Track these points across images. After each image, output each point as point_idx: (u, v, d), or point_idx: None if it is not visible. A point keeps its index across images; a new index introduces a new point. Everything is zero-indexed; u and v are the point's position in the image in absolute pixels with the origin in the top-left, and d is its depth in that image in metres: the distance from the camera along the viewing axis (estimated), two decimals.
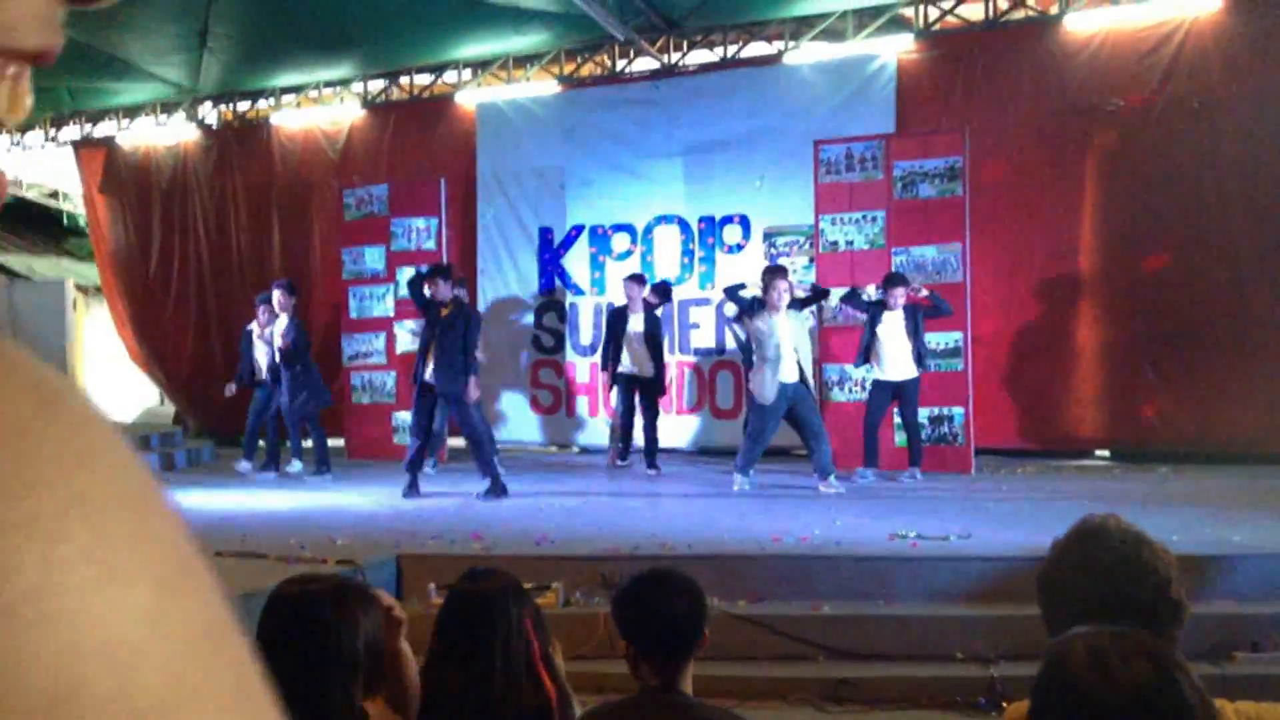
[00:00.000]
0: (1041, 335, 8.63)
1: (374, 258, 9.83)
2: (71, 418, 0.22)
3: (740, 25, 9.76)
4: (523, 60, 10.52)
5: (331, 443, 8.77)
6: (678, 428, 9.56)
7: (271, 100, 11.67)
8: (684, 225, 9.74)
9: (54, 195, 15.83)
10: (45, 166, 14.08)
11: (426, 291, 7.17)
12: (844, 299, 7.89)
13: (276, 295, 8.40)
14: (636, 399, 8.47)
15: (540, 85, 10.49)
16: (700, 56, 10.11)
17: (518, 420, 10.20)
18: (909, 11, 9.31)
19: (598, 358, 9.17)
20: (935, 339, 7.78)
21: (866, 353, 7.59)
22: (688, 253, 9.73)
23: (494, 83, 10.77)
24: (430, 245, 9.59)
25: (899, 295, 7.44)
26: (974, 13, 9.16)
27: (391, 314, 9.74)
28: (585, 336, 9.96)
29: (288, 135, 11.46)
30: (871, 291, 7.83)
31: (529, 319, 10.23)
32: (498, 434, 9.25)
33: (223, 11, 9.23)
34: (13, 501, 0.19)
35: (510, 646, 1.99)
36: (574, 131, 10.08)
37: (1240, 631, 4.24)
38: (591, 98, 10.25)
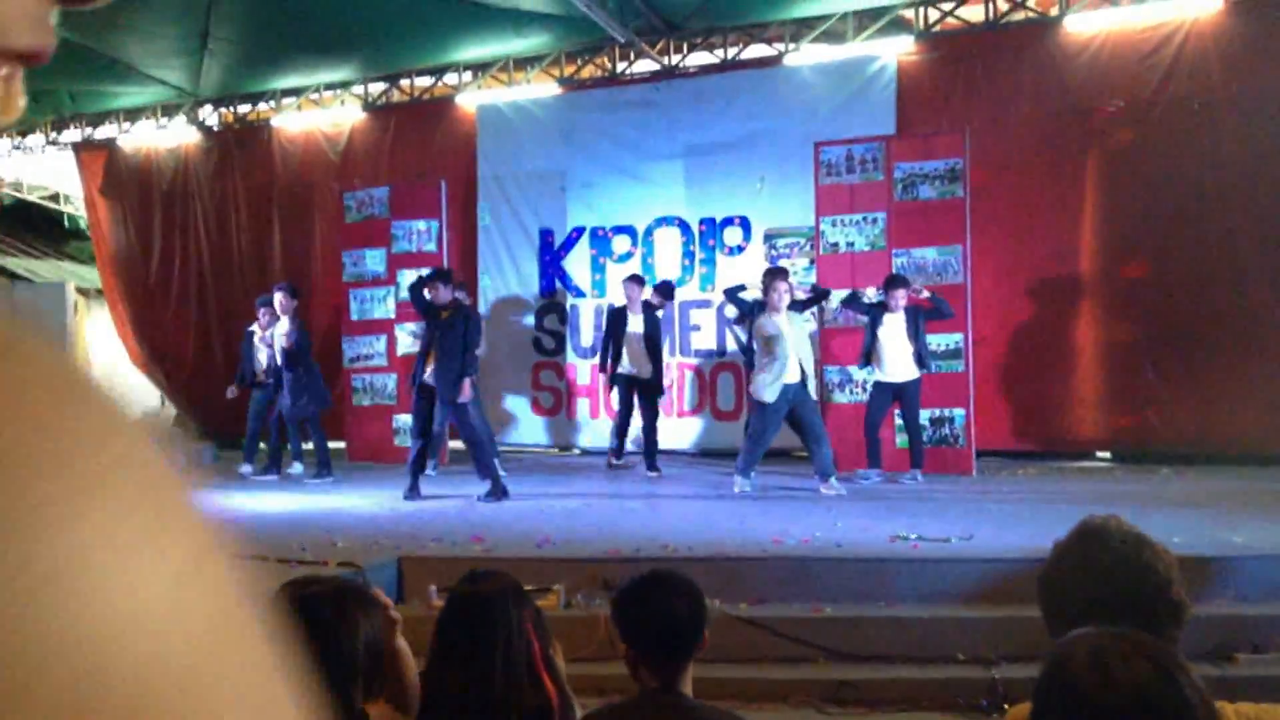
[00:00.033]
0: (1042, 336, 8.63)
1: (375, 260, 9.83)
2: (91, 402, 0.22)
3: (740, 27, 9.77)
4: (523, 62, 10.52)
5: (332, 445, 8.77)
6: (679, 429, 9.56)
7: (272, 103, 11.68)
8: (684, 227, 9.75)
9: (55, 198, 15.84)
10: (46, 169, 14.09)
11: (427, 295, 7.18)
12: (844, 302, 7.89)
13: (278, 297, 8.40)
14: (635, 400, 8.47)
15: (541, 87, 10.50)
16: (700, 58, 10.12)
17: (519, 422, 10.20)
18: (909, 13, 9.32)
19: (598, 359, 9.17)
20: (936, 340, 7.78)
21: (868, 355, 7.60)
22: (688, 254, 9.73)
23: (494, 85, 10.78)
24: (431, 247, 9.60)
25: (900, 297, 7.45)
26: (974, 14, 9.17)
27: (392, 316, 9.74)
28: (586, 338, 9.96)
29: (288, 138, 11.47)
30: (871, 294, 7.83)
31: (530, 321, 10.24)
32: (499, 436, 9.26)
33: (223, 14, 9.24)
34: (36, 482, 0.20)
35: (511, 648, 1.99)
36: (574, 133, 10.08)
37: (1241, 633, 4.23)
38: (592, 100, 10.26)
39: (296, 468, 8.77)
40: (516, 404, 10.18)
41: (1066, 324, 8.61)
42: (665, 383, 8.93)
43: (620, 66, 10.32)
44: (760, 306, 7.21)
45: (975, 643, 4.34)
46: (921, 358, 7.47)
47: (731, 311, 8.69)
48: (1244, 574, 4.56)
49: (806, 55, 9.54)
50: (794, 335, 7.02)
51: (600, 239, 10.04)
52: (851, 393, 8.15)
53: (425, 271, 7.70)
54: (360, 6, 9.09)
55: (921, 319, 7.48)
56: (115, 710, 0.19)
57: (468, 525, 6.06)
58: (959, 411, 7.92)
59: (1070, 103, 8.54)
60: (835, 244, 8.35)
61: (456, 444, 8.69)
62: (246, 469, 8.85)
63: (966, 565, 4.81)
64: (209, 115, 12.06)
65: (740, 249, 9.55)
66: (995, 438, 8.58)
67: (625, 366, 8.40)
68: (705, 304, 9.59)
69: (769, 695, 4.19)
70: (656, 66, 10.12)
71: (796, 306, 7.27)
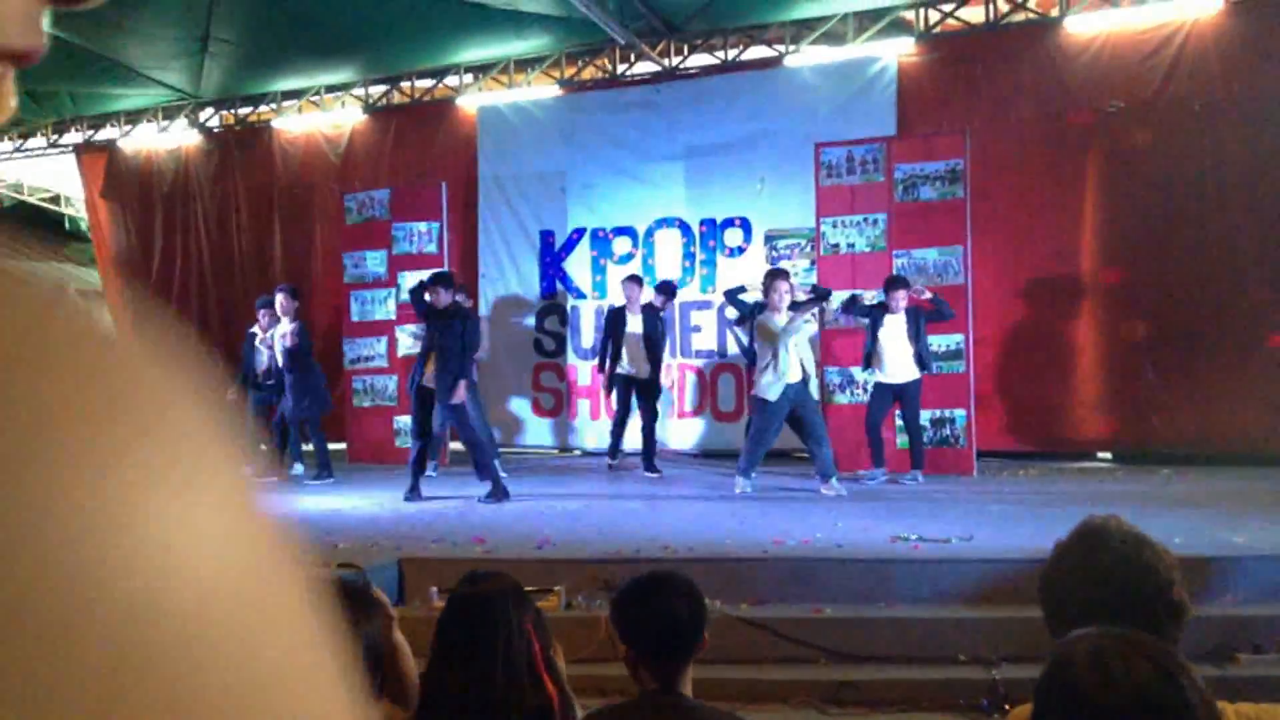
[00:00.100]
0: (1043, 337, 8.63)
1: (375, 262, 9.84)
2: (132, 357, 0.22)
3: (741, 29, 9.77)
4: (524, 64, 10.53)
5: (333, 446, 8.77)
6: (680, 430, 9.57)
7: (273, 105, 11.69)
8: (685, 228, 9.75)
9: (55, 200, 15.86)
10: (47, 171, 14.11)
11: (427, 298, 7.19)
12: (844, 307, 7.90)
13: (279, 299, 8.40)
14: (633, 400, 8.47)
15: (541, 89, 10.51)
16: (701, 60, 10.12)
17: (519, 423, 10.20)
18: (909, 14, 9.32)
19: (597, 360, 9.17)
20: (937, 341, 7.79)
21: (869, 357, 7.59)
22: (689, 256, 9.74)
23: (495, 86, 10.78)
24: (432, 249, 9.60)
25: (900, 298, 7.45)
26: (975, 15, 9.17)
27: (393, 318, 9.75)
28: (586, 340, 9.96)
29: (289, 139, 11.48)
30: (870, 296, 7.84)
31: (530, 322, 10.24)
32: (500, 437, 9.26)
33: (224, 17, 9.25)
34: (79, 430, 0.20)
35: (511, 649, 1.99)
36: (575, 135, 10.09)
37: (1242, 633, 4.23)
38: (592, 101, 10.26)
39: (297, 469, 8.78)
40: (517, 405, 10.18)
41: (1067, 324, 8.62)
42: (666, 383, 8.92)
43: (621, 68, 10.33)
44: (761, 307, 7.22)
45: (976, 643, 4.34)
46: (922, 359, 7.47)
47: (732, 313, 8.69)
48: (1245, 574, 4.56)
49: (807, 56, 9.55)
50: (795, 335, 7.03)
51: (601, 240, 10.04)
52: (852, 394, 8.15)
53: (427, 275, 7.70)
54: (361, 8, 9.10)
55: (922, 320, 7.48)
56: (162, 663, 0.19)
57: (468, 526, 6.06)
58: (960, 412, 7.92)
59: (1071, 104, 8.54)
60: (836, 245, 8.36)
61: (457, 445, 8.69)
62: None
63: (967, 566, 4.81)
64: (210, 117, 12.07)
65: (741, 250, 9.55)
66: (996, 438, 8.58)
67: (624, 367, 8.40)
68: (706, 305, 9.59)
69: (769, 696, 4.19)
70: (657, 68, 10.12)
71: (797, 307, 7.27)
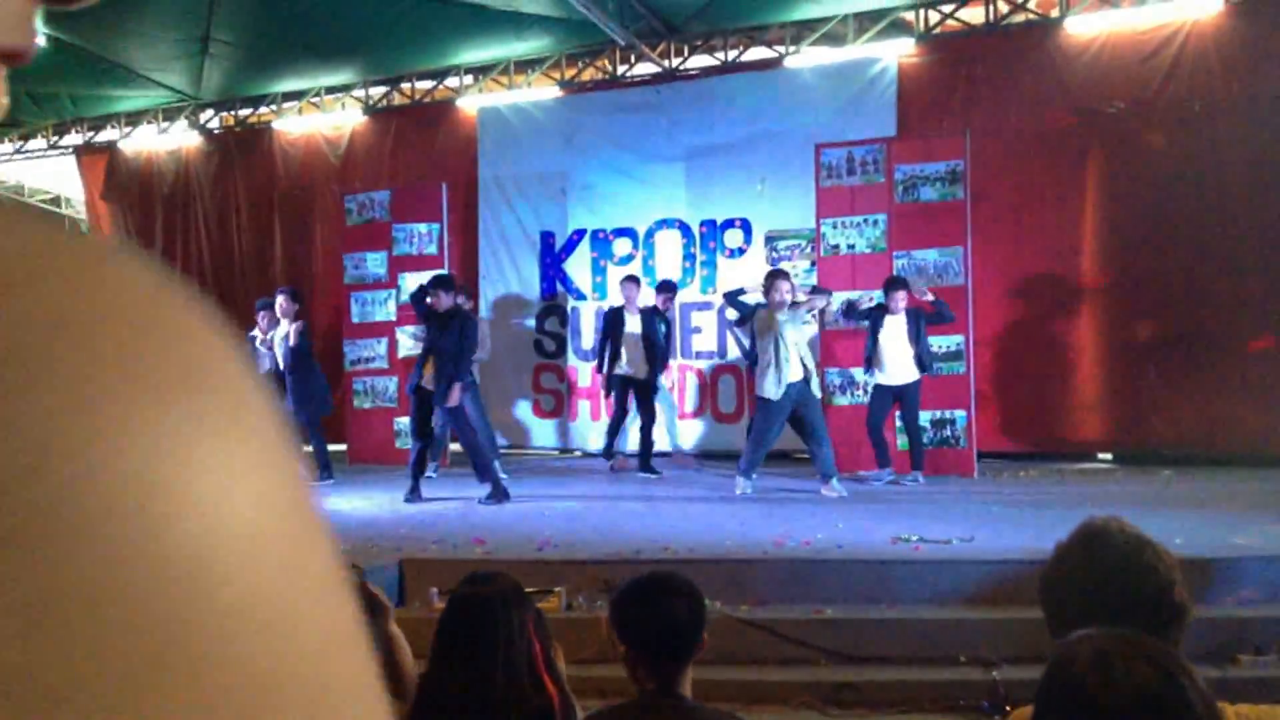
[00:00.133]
0: (1043, 338, 8.63)
1: (376, 263, 9.84)
2: (194, 324, 0.22)
3: (741, 30, 9.77)
4: (524, 65, 10.53)
5: (333, 447, 8.77)
6: (680, 431, 9.56)
7: (273, 106, 11.69)
8: (685, 229, 9.75)
9: (56, 201, 15.86)
10: (47, 172, 14.12)
11: (428, 301, 7.20)
12: (844, 313, 7.92)
13: (280, 301, 8.39)
14: (631, 401, 8.47)
15: (541, 90, 10.51)
16: (701, 61, 10.12)
17: (520, 425, 10.20)
18: (910, 15, 9.32)
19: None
20: (937, 342, 7.78)
21: (870, 359, 7.59)
22: (689, 257, 9.74)
23: (495, 88, 10.78)
24: (432, 250, 9.60)
25: (899, 299, 7.44)
26: (975, 16, 9.17)
27: (393, 319, 9.75)
28: (587, 341, 9.96)
29: (289, 141, 11.48)
30: (869, 299, 7.83)
31: (531, 323, 10.24)
32: (501, 438, 9.25)
33: (224, 18, 9.25)
34: (118, 392, 0.20)
35: (512, 650, 1.99)
36: (575, 136, 10.09)
37: (1243, 634, 4.23)
38: (593, 102, 10.27)
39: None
40: (517, 406, 10.18)
41: (1067, 325, 8.62)
42: (666, 384, 8.92)
43: (621, 69, 10.33)
44: (762, 308, 7.22)
45: (976, 644, 4.34)
46: (922, 361, 7.46)
47: (732, 314, 8.69)
48: (1246, 576, 4.56)
49: (807, 57, 9.55)
50: (795, 335, 7.03)
51: (601, 241, 10.04)
52: (853, 395, 8.15)
53: (428, 278, 7.70)
54: (361, 10, 9.10)
55: (923, 322, 7.47)
56: (210, 633, 0.19)
57: (469, 527, 6.05)
58: (960, 413, 7.92)
59: (1071, 104, 8.54)
60: (836, 246, 8.36)
61: (457, 447, 8.69)
62: None
63: (968, 567, 4.81)
64: (210, 119, 12.07)
65: (741, 251, 9.55)
66: (996, 439, 8.58)
67: (622, 367, 8.40)
68: (706, 306, 9.59)
69: (770, 697, 4.19)
70: (657, 69, 10.12)
71: (797, 306, 7.27)
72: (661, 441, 9.11)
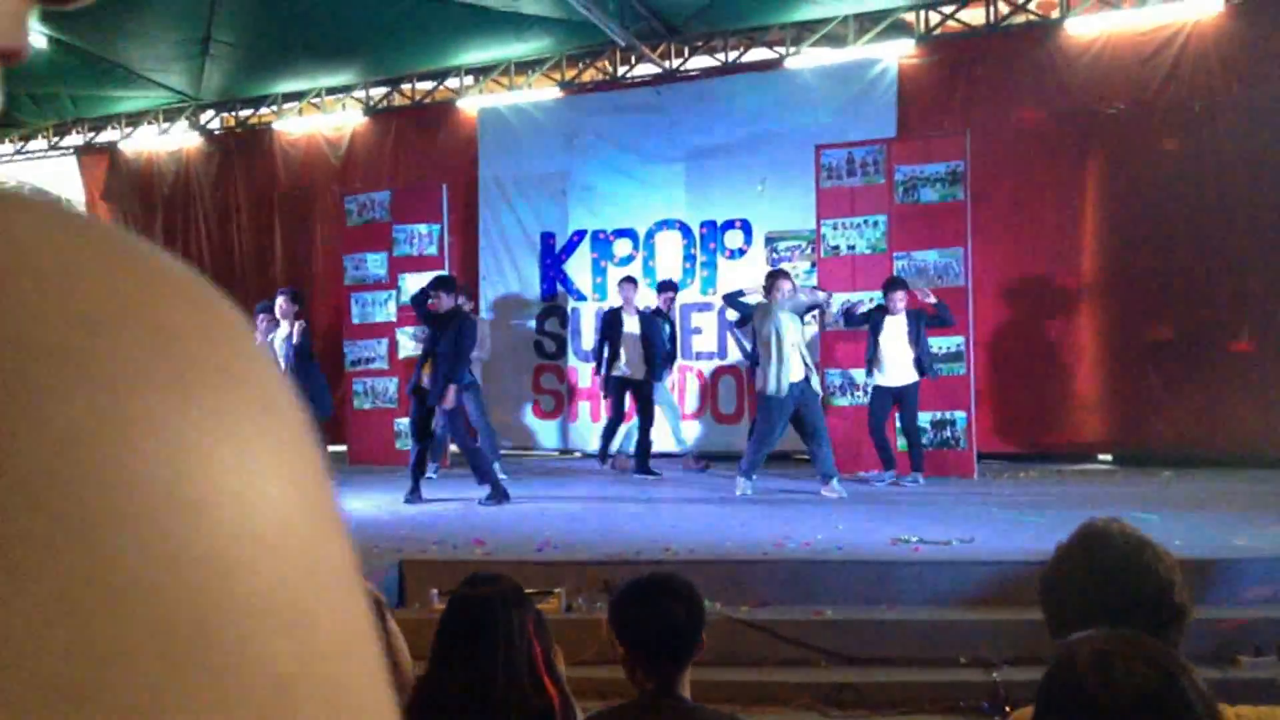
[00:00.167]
0: (1043, 339, 8.63)
1: (376, 264, 9.84)
2: (201, 304, 0.22)
3: (741, 30, 9.77)
4: (524, 66, 10.53)
5: (332, 448, 8.77)
6: (680, 432, 9.55)
7: (274, 107, 11.69)
8: (686, 230, 9.75)
9: None
10: (47, 173, 14.10)
11: (430, 303, 7.20)
12: (844, 319, 7.92)
13: (280, 302, 8.39)
14: (628, 403, 8.45)
15: (542, 91, 10.51)
16: (702, 62, 10.12)
17: (520, 425, 10.20)
18: (910, 16, 9.32)
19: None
20: (938, 343, 7.78)
21: (872, 362, 7.58)
22: (689, 258, 9.74)
23: (496, 89, 10.79)
24: (432, 251, 9.61)
25: (898, 299, 7.44)
26: (975, 17, 9.17)
27: (394, 319, 9.74)
28: (587, 342, 9.95)
29: (290, 142, 11.48)
30: (867, 302, 7.83)
31: (531, 324, 10.24)
32: (501, 439, 9.23)
33: (225, 19, 9.25)
34: (145, 388, 0.20)
35: (512, 651, 1.99)
36: (576, 137, 10.09)
37: (1243, 635, 4.23)
38: (593, 103, 10.27)
39: None
40: (518, 407, 10.18)
41: (1068, 326, 8.61)
42: (667, 384, 8.91)
43: (621, 70, 10.33)
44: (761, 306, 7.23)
45: (977, 645, 4.34)
46: (921, 364, 7.45)
47: (733, 315, 8.69)
48: (1246, 576, 4.56)
49: (807, 58, 9.55)
50: (795, 334, 7.04)
51: (601, 242, 10.04)
52: (853, 396, 8.15)
53: (431, 279, 7.70)
54: (362, 11, 9.10)
55: (923, 324, 7.47)
56: (233, 631, 0.19)
57: (469, 528, 6.05)
58: (960, 414, 7.92)
59: (1071, 105, 8.54)
60: (836, 247, 8.35)
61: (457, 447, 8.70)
62: None
63: (968, 568, 4.81)
64: (210, 119, 12.07)
65: (741, 252, 9.55)
66: (997, 440, 8.58)
67: (620, 369, 8.38)
68: (706, 307, 9.59)
69: (770, 698, 4.19)
70: (657, 70, 10.12)
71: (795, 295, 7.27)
72: (668, 443, 9.12)
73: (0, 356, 0.18)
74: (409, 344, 9.46)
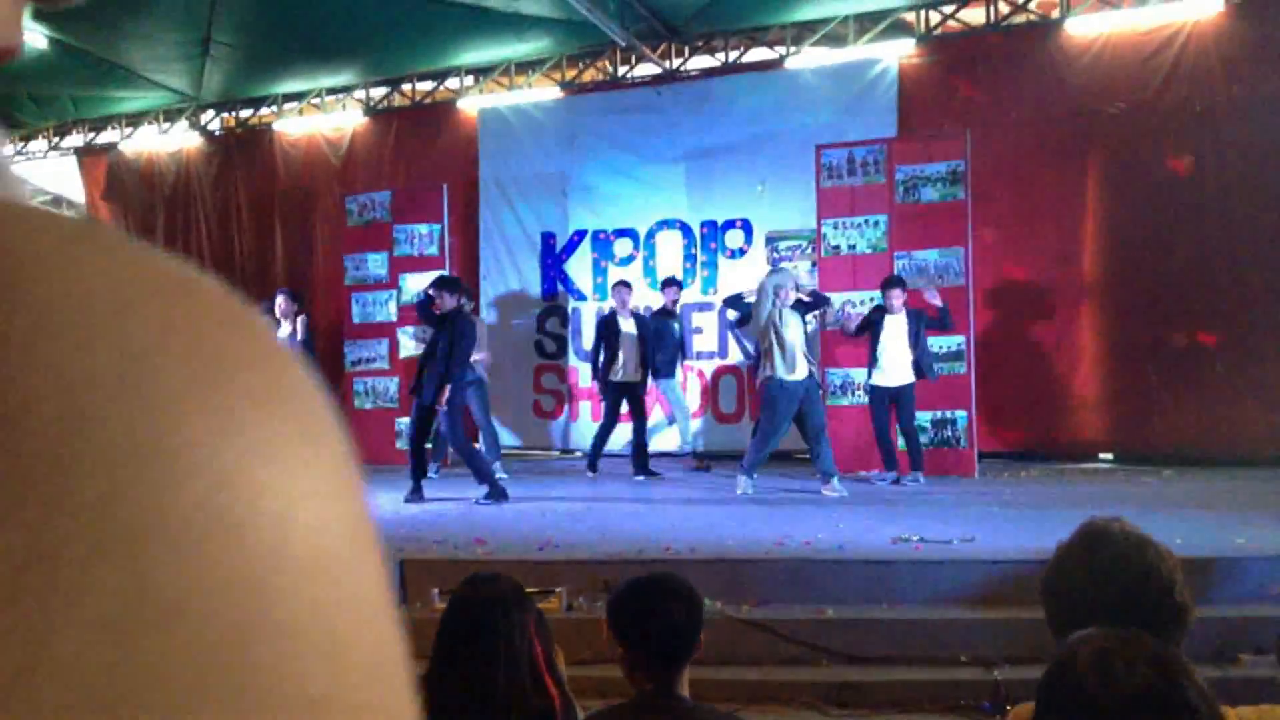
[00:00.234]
0: (1044, 338, 8.63)
1: (377, 264, 9.84)
2: (241, 322, 0.23)
3: (742, 31, 9.78)
4: (525, 66, 10.54)
5: None
6: (689, 433, 9.54)
7: (274, 107, 11.69)
8: (686, 230, 9.75)
9: (57, 203, 15.85)
10: (48, 174, 14.10)
11: (434, 302, 7.21)
12: (842, 330, 7.94)
13: (280, 301, 8.40)
14: (624, 407, 8.39)
15: (542, 91, 10.51)
16: (702, 62, 10.13)
17: (520, 425, 10.20)
18: (910, 16, 9.32)
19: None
20: (938, 342, 7.78)
21: (873, 362, 7.58)
22: (690, 258, 9.74)
23: (496, 89, 10.79)
24: (433, 251, 9.61)
25: (896, 297, 7.42)
26: (975, 17, 9.17)
27: (394, 320, 9.75)
28: (588, 342, 9.93)
29: (290, 142, 11.49)
30: (866, 304, 7.83)
31: (531, 324, 10.24)
32: (502, 439, 9.23)
33: (225, 19, 9.26)
34: (185, 407, 0.20)
35: (513, 651, 1.99)
36: (576, 137, 10.10)
37: (1244, 635, 4.22)
38: (593, 103, 10.27)
39: None
40: (518, 407, 10.18)
41: (1068, 326, 8.61)
42: (677, 381, 8.91)
43: (621, 70, 10.34)
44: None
45: (978, 644, 4.34)
46: (920, 366, 7.44)
47: (733, 315, 8.68)
48: (1247, 576, 4.56)
49: (808, 58, 9.55)
50: (796, 333, 7.04)
51: (602, 242, 10.04)
52: (853, 395, 8.15)
53: (434, 279, 7.70)
54: (362, 11, 9.11)
55: (924, 325, 7.46)
56: (269, 652, 0.20)
57: (470, 528, 6.05)
58: (961, 413, 7.92)
59: (1071, 105, 8.54)
60: (837, 247, 8.36)
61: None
62: None
63: (969, 567, 4.81)
64: (211, 120, 12.08)
65: (742, 252, 9.55)
66: (997, 440, 8.58)
67: (618, 373, 8.32)
68: (707, 307, 9.59)
69: (771, 697, 4.19)
70: (658, 70, 10.13)
71: (798, 307, 7.26)
72: (675, 442, 9.12)
73: (51, 386, 0.19)
74: (410, 344, 9.46)
